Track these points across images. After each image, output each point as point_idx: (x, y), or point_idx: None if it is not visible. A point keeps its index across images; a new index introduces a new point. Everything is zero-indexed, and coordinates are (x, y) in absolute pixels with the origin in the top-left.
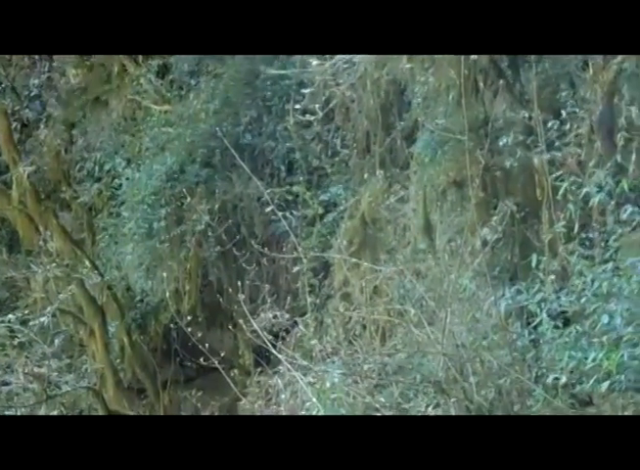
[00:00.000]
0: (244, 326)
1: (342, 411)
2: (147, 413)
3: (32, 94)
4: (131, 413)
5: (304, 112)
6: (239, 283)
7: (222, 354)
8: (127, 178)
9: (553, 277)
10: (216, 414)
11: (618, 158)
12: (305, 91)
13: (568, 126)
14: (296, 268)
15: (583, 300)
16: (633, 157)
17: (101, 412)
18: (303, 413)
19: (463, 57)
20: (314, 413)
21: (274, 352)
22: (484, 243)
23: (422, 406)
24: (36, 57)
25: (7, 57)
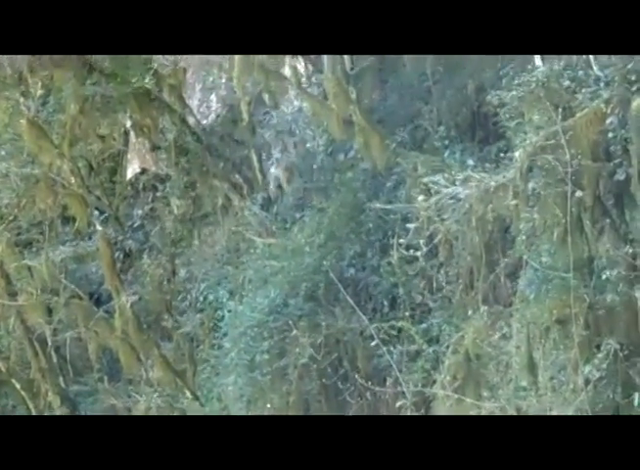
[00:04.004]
0: None
1: None
2: None
3: (136, 224)
4: None
5: (408, 247)
6: None
7: None
8: (229, 310)
9: None
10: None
11: None
12: (410, 226)
13: None
14: (398, 403)
15: None
16: None
17: None
18: None
19: (569, 195)
20: None
21: None
22: (587, 381)
23: None
24: (140, 187)
25: (110, 185)
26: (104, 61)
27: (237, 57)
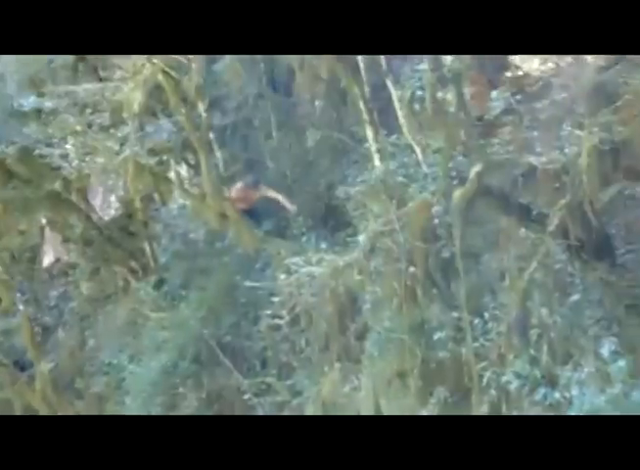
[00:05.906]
0: None
1: None
2: None
3: (52, 304)
4: None
5: (274, 316)
6: None
7: None
8: (130, 373)
9: None
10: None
11: (532, 350)
12: (275, 300)
13: (490, 325)
14: None
15: None
16: (544, 348)
17: None
18: None
19: (404, 270)
20: None
21: None
22: None
23: None
24: (54, 273)
25: (30, 272)
26: (20, 168)
27: (130, 164)
